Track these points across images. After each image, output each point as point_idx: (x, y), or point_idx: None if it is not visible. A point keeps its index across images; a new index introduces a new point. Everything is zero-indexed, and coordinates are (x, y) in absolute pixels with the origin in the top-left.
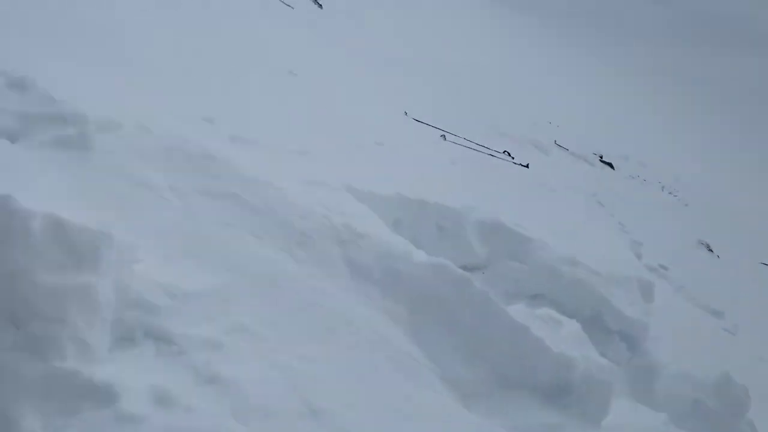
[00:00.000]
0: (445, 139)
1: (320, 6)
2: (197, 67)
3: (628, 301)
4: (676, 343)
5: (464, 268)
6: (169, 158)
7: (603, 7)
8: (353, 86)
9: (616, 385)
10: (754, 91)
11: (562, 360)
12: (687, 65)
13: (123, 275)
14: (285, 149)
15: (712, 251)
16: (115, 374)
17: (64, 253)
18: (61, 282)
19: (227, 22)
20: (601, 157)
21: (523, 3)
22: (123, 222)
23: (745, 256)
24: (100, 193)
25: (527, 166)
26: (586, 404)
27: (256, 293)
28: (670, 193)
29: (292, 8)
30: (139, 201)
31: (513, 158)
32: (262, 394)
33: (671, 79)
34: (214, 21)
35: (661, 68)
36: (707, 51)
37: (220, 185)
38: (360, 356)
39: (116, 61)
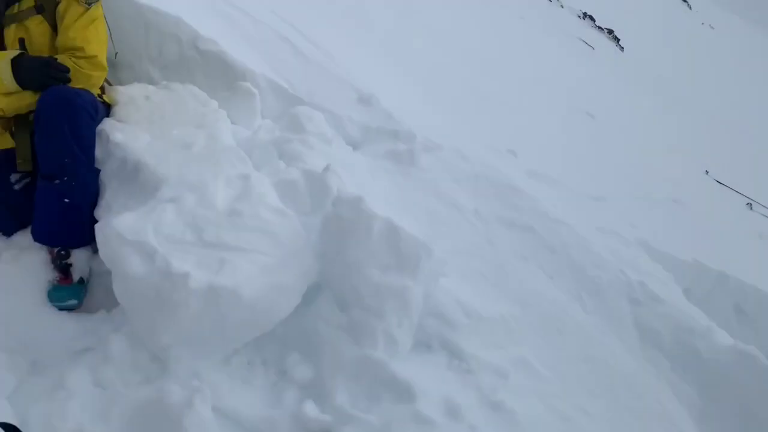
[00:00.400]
0: (751, 208)
1: (621, 49)
2: (503, 100)
3: None
4: None
5: None
6: (477, 183)
7: None
8: (651, 134)
9: None
10: None
11: None
12: None
13: (431, 286)
14: (580, 191)
15: None
16: (414, 375)
17: (392, 256)
18: (385, 280)
19: (530, 59)
20: None
21: None
22: (435, 236)
23: None
24: (419, 206)
25: None
26: None
27: (542, 332)
28: None
29: (593, 48)
30: (448, 219)
31: None
32: None
33: None
34: (517, 58)
35: None
36: None
37: (519, 217)
38: (641, 427)
39: (437, 89)
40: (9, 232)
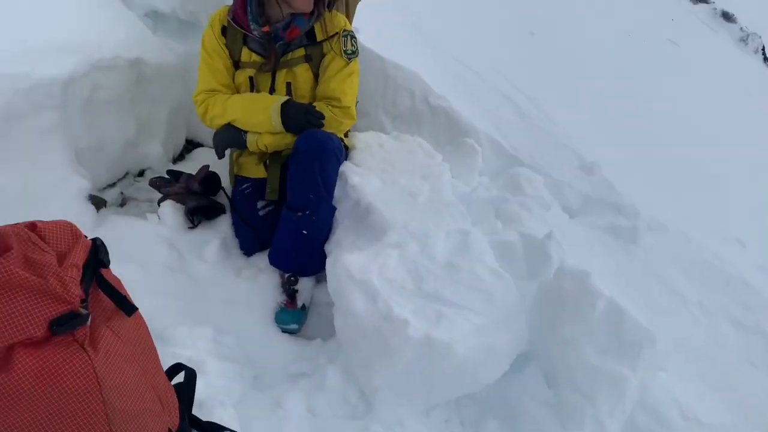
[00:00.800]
0: None
1: None
2: (730, 183)
3: None
4: None
5: None
6: (703, 273)
7: None
8: None
9: None
10: None
11: None
12: None
13: (648, 378)
14: None
15: None
16: None
17: (613, 339)
18: (601, 363)
19: (759, 139)
20: None
21: None
22: (655, 325)
23: None
24: (639, 289)
25: None
26: None
27: None
28: None
29: None
30: (670, 308)
31: None
32: None
33: None
34: (746, 137)
35: None
36: None
37: (749, 317)
38: None
39: (660, 164)
40: (250, 253)
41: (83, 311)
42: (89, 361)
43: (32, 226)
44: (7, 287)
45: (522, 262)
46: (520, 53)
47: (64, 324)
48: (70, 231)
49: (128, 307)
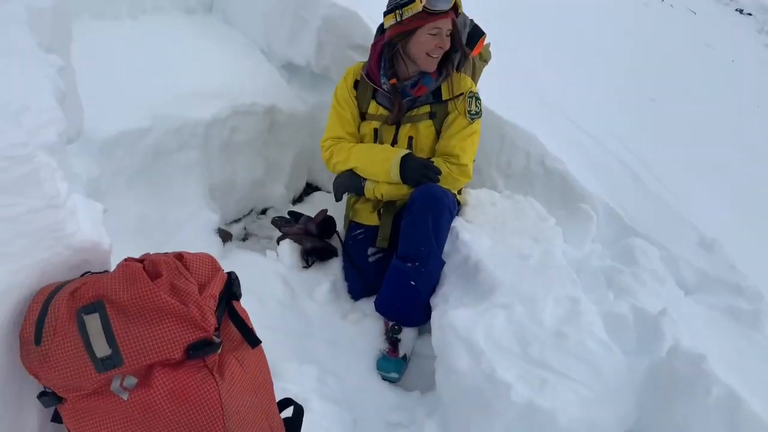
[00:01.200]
0: None
1: None
2: None
3: None
4: None
5: None
6: None
7: None
8: None
9: None
10: None
11: None
12: None
13: None
14: None
15: None
16: None
17: (727, 430)
18: None
19: None
20: None
21: None
22: None
23: None
24: (760, 379)
25: None
26: None
27: None
28: None
29: None
30: None
31: None
32: None
33: None
34: None
35: None
36: None
37: None
38: None
39: None
40: (357, 297)
41: (216, 339)
42: (216, 387)
43: (179, 256)
44: (156, 310)
45: (632, 337)
46: (639, 120)
47: (199, 350)
48: (211, 263)
49: (253, 340)
